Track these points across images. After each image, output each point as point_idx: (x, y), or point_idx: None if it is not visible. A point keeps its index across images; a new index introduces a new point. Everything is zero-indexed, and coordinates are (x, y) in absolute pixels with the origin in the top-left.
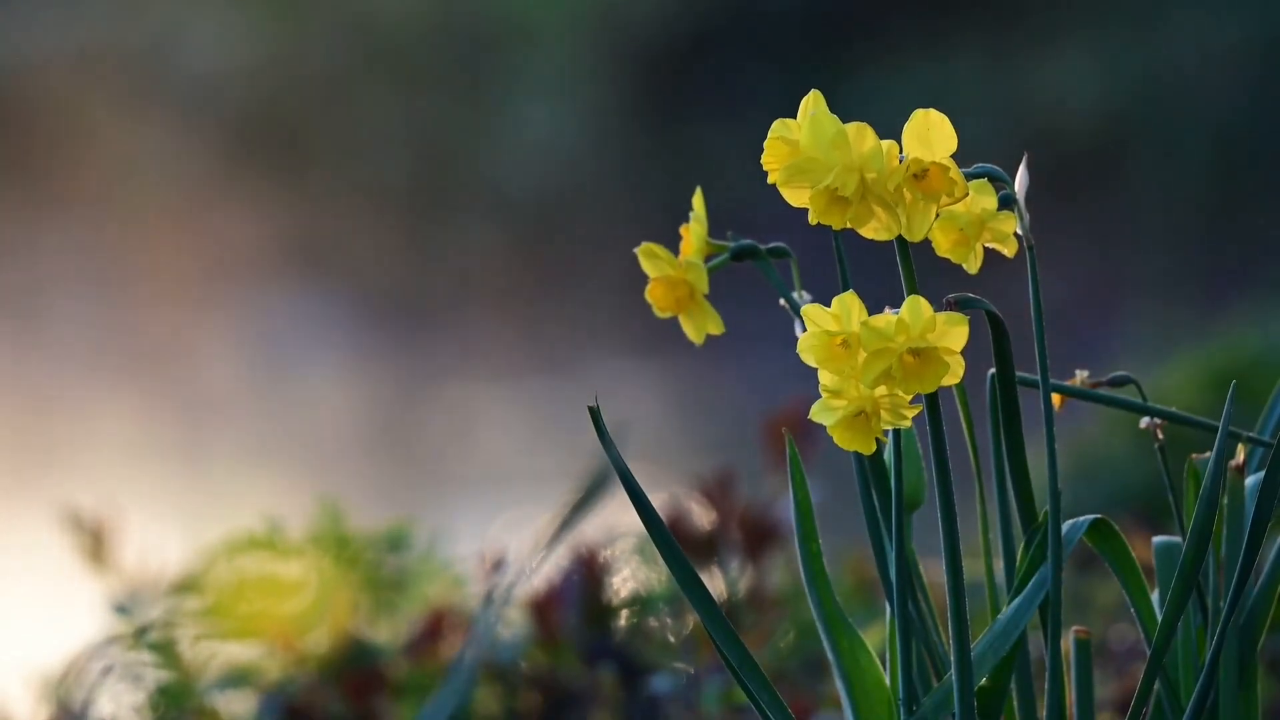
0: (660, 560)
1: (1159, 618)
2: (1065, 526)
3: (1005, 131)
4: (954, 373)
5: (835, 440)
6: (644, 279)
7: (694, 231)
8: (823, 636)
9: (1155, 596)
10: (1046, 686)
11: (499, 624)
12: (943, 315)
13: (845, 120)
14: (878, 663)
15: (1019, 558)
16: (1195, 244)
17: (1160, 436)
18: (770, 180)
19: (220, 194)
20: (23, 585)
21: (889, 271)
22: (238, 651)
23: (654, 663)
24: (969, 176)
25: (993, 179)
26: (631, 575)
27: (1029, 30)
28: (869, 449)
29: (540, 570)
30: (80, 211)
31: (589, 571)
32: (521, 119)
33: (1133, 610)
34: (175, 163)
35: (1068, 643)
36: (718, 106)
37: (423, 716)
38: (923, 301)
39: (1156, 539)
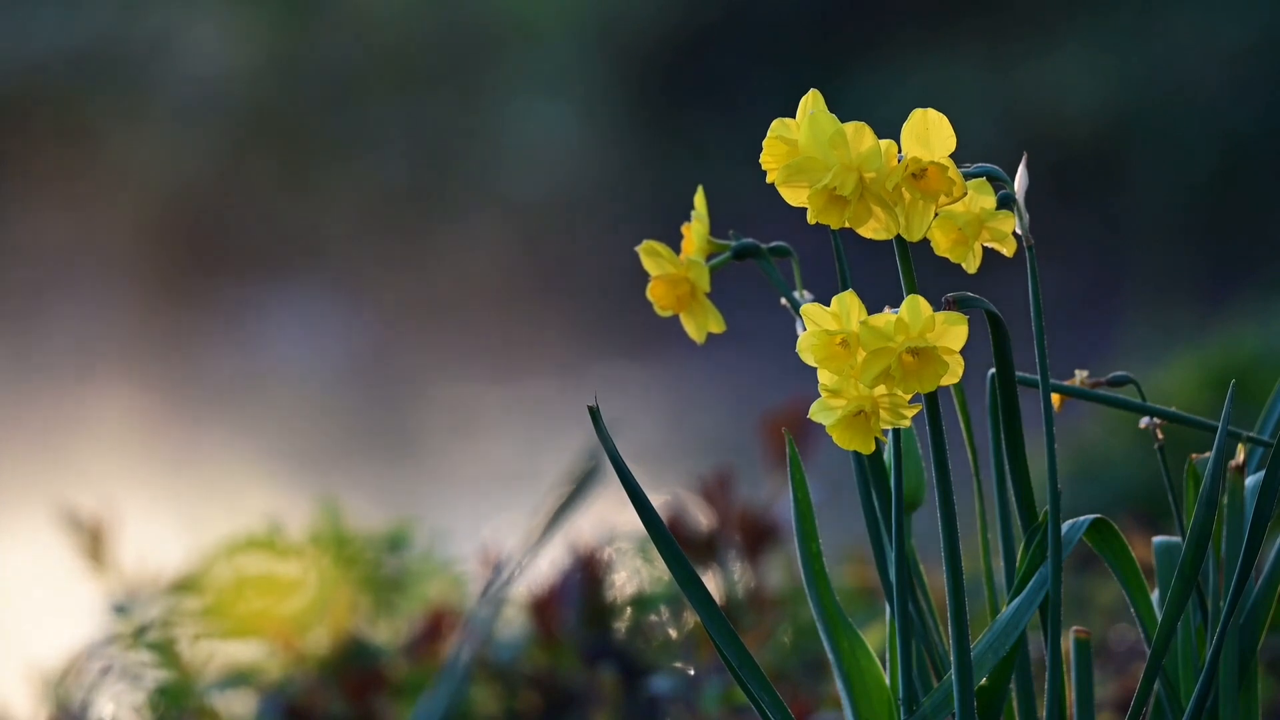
0: (660, 560)
1: (1159, 618)
2: (1065, 526)
3: (1005, 131)
4: (953, 372)
5: (834, 440)
6: (644, 279)
7: (696, 230)
8: (823, 636)
9: (1155, 596)
10: (1046, 686)
11: (495, 622)
12: (942, 315)
13: (844, 120)
14: (878, 663)
15: (1019, 558)
16: (1195, 244)
17: (1160, 436)
18: (769, 179)
19: (220, 193)
20: (22, 585)
21: (890, 271)
22: (238, 651)
23: (654, 663)
24: (968, 176)
25: (992, 178)
26: (631, 575)
27: (1029, 30)
28: (868, 448)
29: (531, 566)
30: (80, 211)
31: (589, 571)
32: (521, 119)
33: (1133, 610)
34: (175, 163)
35: (1068, 643)
36: (717, 106)
37: (416, 716)
38: (922, 301)
39: (1156, 539)
